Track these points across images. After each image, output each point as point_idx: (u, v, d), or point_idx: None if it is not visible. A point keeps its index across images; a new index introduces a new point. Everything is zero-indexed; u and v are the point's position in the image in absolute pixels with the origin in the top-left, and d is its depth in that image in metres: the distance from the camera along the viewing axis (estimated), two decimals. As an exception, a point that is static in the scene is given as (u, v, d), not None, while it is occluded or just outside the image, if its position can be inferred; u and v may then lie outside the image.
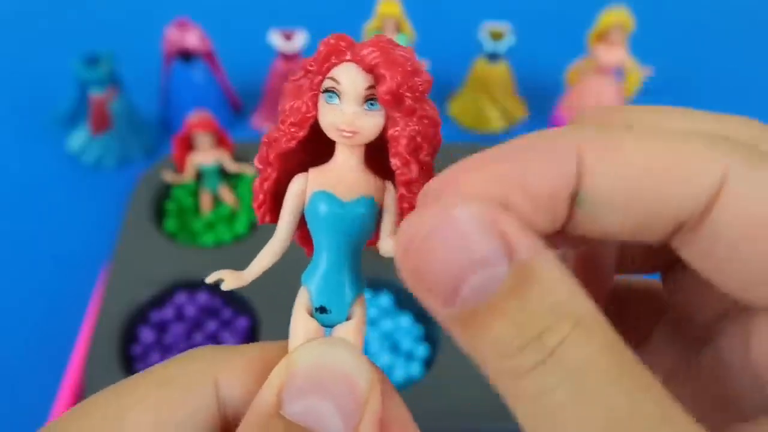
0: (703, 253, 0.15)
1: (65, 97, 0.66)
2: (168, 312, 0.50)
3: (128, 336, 0.49)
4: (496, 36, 0.69)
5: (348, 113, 0.17)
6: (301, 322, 0.18)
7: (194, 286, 0.52)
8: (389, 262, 0.17)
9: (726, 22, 0.89)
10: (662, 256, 0.21)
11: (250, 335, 0.50)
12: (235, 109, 0.72)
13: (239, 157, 0.59)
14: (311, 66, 0.17)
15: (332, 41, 0.17)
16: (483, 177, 0.15)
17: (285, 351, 0.17)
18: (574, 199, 0.15)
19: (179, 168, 0.58)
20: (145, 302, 0.50)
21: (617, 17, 0.65)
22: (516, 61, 0.71)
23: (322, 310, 0.18)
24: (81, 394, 0.47)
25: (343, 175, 0.18)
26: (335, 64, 0.17)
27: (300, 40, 0.66)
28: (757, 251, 0.14)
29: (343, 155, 0.18)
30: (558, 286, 0.14)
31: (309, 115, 0.17)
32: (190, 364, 0.17)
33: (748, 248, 0.14)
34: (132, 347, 0.49)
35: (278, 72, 0.67)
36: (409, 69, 0.17)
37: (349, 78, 0.17)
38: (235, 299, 0.51)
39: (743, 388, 0.18)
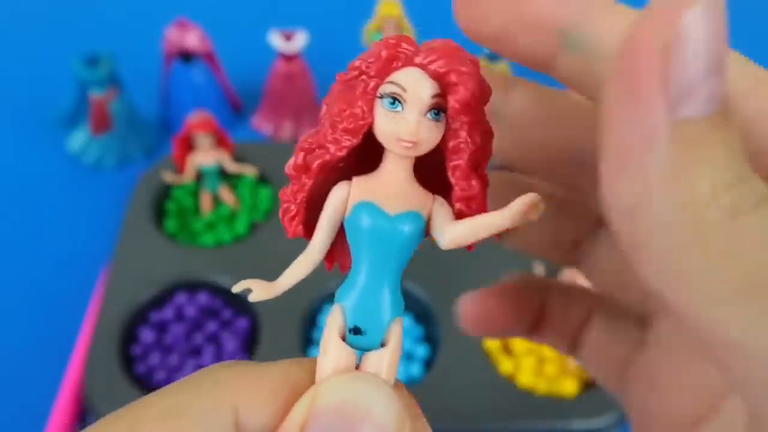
0: None
1: (65, 97, 0.66)
2: (168, 312, 0.50)
3: (128, 336, 0.49)
4: (496, 36, 0.69)
5: (412, 122, 0.16)
6: (332, 347, 0.16)
7: (194, 286, 0.52)
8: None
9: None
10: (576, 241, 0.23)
11: (250, 336, 0.49)
12: (235, 109, 0.72)
13: (239, 157, 0.59)
14: (367, 68, 0.16)
15: (394, 43, 0.16)
16: None
17: (312, 375, 0.16)
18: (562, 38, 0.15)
19: (179, 168, 0.58)
20: (145, 302, 0.51)
21: (617, 17, 0.65)
22: (516, 61, 0.71)
23: (356, 330, 0.16)
24: (81, 394, 0.47)
25: (390, 187, 0.16)
26: (397, 68, 0.16)
27: (300, 40, 0.66)
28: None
29: (393, 165, 0.17)
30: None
31: (365, 122, 0.16)
32: (207, 389, 0.15)
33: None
34: (132, 347, 0.49)
35: (278, 72, 0.67)
36: (479, 79, 0.16)
37: (416, 85, 0.16)
38: (235, 300, 0.51)
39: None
